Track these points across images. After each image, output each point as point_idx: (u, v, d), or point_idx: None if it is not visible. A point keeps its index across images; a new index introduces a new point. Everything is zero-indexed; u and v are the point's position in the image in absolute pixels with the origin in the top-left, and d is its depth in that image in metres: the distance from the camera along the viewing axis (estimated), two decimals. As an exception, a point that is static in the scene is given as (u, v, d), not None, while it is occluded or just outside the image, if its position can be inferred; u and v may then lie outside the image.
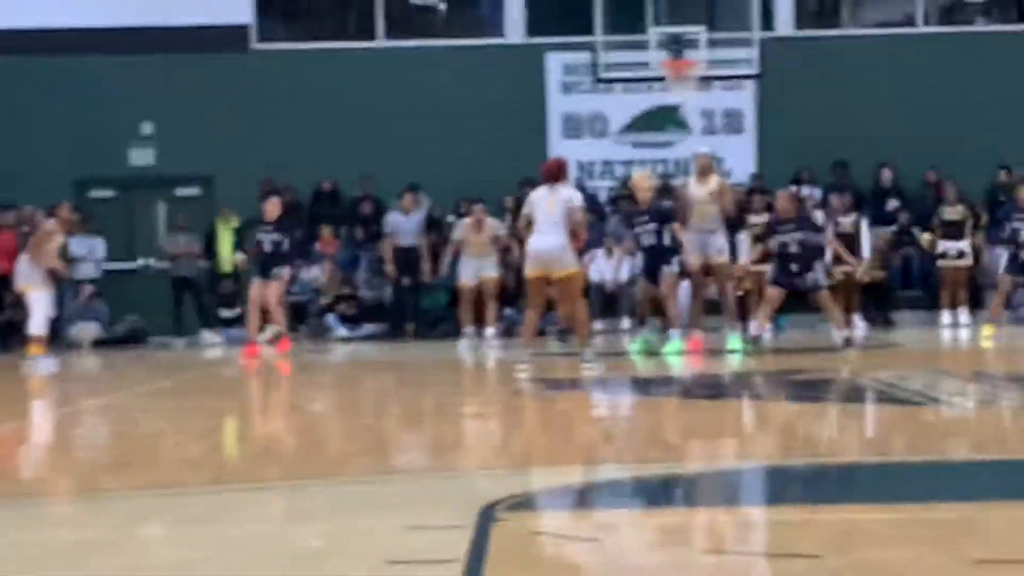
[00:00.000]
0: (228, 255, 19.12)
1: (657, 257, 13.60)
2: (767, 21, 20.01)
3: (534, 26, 21.16)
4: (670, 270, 13.55)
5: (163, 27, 20.55)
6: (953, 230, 18.84)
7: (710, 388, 10.35)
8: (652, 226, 13.63)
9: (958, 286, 18.75)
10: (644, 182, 14.11)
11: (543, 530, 4.57)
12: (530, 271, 11.97)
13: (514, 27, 21.25)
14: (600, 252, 18.85)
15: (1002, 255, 16.11)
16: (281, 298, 15.54)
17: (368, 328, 19.18)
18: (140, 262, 20.78)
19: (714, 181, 13.86)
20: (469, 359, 14.76)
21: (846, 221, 18.18)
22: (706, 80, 19.69)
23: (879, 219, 19.67)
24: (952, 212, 18.93)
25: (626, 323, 18.44)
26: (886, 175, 20.30)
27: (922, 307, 19.24)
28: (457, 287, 17.86)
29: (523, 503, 4.98)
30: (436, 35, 21.86)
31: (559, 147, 20.16)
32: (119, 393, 11.22)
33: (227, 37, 20.81)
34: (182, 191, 20.98)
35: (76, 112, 20.43)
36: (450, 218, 19.56)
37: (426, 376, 12.46)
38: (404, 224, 19.04)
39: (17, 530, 4.74)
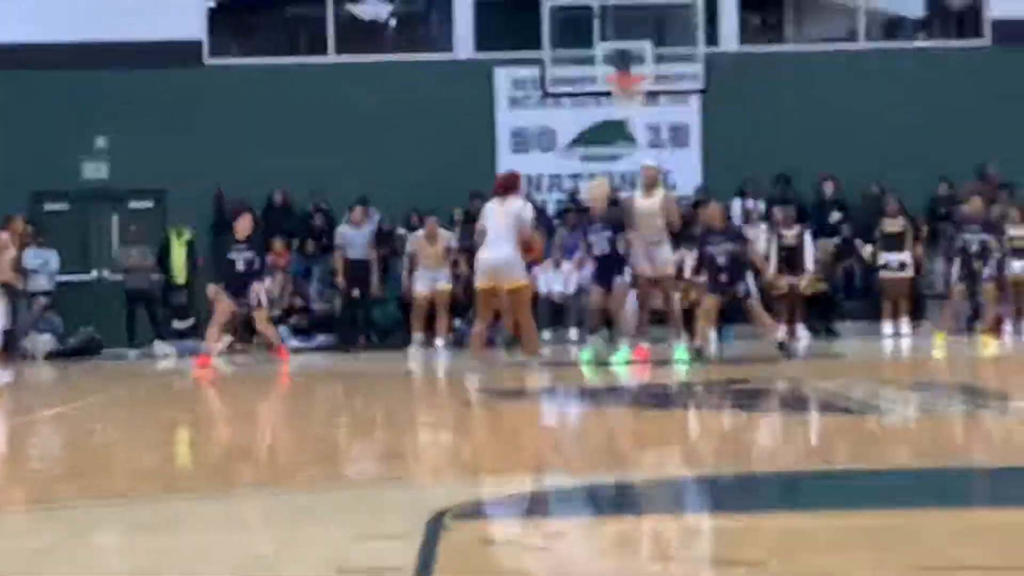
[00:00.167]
0: (180, 267, 19.23)
1: (611, 265, 13.70)
2: (712, 37, 20.20)
3: (482, 41, 21.27)
4: (622, 280, 13.66)
5: (116, 42, 20.51)
6: (894, 242, 19.08)
7: (657, 398, 10.44)
8: (606, 234, 13.73)
9: (899, 297, 19.00)
10: (600, 190, 14.24)
11: (492, 538, 4.63)
12: (480, 282, 12.06)
13: (463, 42, 21.34)
14: (548, 263, 18.96)
15: (953, 266, 16.28)
16: (269, 317, 16.00)
17: (319, 339, 19.21)
18: (94, 274, 20.73)
19: (659, 194, 13.99)
20: (418, 369, 14.81)
21: (790, 233, 18.38)
22: (652, 95, 19.87)
23: (822, 231, 19.90)
24: (893, 224, 19.18)
25: (574, 334, 18.54)
26: (829, 188, 20.52)
27: (864, 318, 19.47)
28: (412, 298, 17.93)
29: (472, 511, 5.03)
30: (386, 50, 21.92)
31: (508, 160, 20.26)
32: (73, 404, 11.20)
33: (180, 52, 20.80)
34: (135, 204, 20.95)
35: (30, 126, 20.35)
36: (400, 231, 19.61)
37: (376, 386, 12.50)
38: (355, 237, 19.10)
39: (-29, 540, 4.75)
